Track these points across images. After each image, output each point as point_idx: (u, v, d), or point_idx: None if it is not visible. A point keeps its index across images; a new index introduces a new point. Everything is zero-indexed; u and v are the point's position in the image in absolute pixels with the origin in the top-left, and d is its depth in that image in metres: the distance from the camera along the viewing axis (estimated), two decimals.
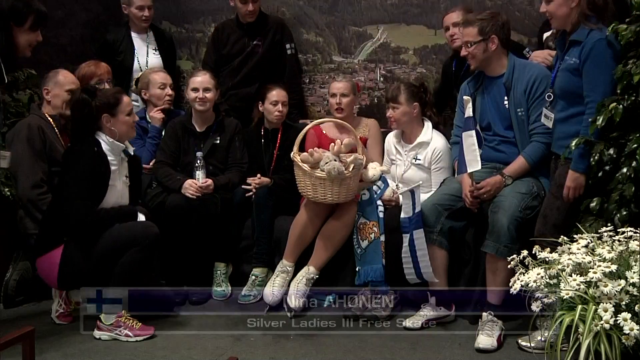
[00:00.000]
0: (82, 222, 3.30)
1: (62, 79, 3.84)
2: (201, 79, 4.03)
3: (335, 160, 3.46)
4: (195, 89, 4.01)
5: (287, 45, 4.52)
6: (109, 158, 3.41)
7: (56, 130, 3.80)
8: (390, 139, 3.90)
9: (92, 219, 3.32)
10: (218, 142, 4.06)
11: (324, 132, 4.02)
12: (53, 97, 3.82)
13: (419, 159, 3.73)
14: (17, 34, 3.02)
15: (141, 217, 3.46)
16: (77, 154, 3.40)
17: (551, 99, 3.21)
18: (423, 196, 3.55)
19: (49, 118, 3.81)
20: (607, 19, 2.99)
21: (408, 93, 3.71)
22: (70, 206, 3.30)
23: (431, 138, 3.72)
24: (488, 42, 3.39)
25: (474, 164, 3.23)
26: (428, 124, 3.77)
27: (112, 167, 3.42)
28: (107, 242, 3.32)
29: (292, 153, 3.57)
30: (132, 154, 3.57)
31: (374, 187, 3.69)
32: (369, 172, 3.70)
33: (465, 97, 3.35)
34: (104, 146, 3.42)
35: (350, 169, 3.49)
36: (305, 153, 3.55)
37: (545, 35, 3.75)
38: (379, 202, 3.65)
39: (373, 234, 3.57)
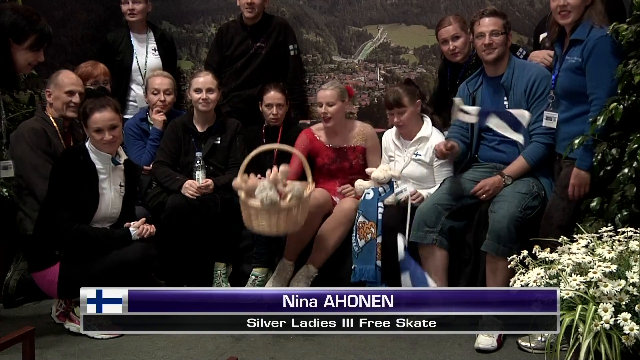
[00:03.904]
0: (64, 232, 3.25)
1: (62, 81, 3.71)
2: (204, 79, 4.02)
3: (270, 189, 3.14)
4: (198, 90, 4.00)
5: (290, 46, 4.49)
6: (97, 167, 3.35)
7: (58, 134, 3.70)
8: (388, 136, 3.88)
9: (77, 230, 3.26)
10: (219, 142, 4.05)
11: (317, 137, 3.96)
12: (54, 100, 3.71)
13: (420, 154, 3.71)
14: (15, 51, 2.82)
15: (134, 233, 3.37)
16: (64, 163, 3.34)
17: (552, 100, 3.21)
18: (426, 192, 3.60)
19: (52, 120, 3.71)
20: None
21: (409, 93, 3.68)
22: (53, 217, 3.26)
23: (431, 133, 3.71)
24: (508, 36, 3.46)
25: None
26: (427, 120, 3.75)
27: (101, 176, 3.36)
28: (104, 265, 3.27)
29: (235, 180, 3.29)
30: (121, 162, 3.46)
31: (380, 189, 3.69)
32: (379, 174, 3.71)
33: (456, 100, 3.30)
34: (92, 155, 3.36)
35: (287, 199, 3.16)
36: (237, 179, 3.25)
37: (542, 36, 3.73)
38: (380, 204, 3.65)
39: (370, 234, 3.57)
